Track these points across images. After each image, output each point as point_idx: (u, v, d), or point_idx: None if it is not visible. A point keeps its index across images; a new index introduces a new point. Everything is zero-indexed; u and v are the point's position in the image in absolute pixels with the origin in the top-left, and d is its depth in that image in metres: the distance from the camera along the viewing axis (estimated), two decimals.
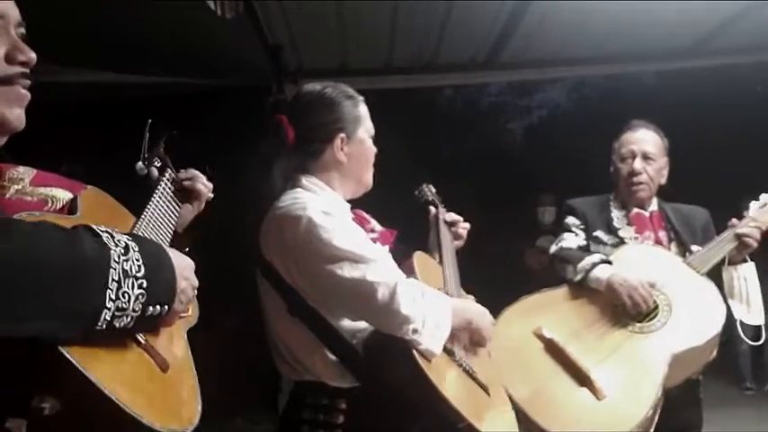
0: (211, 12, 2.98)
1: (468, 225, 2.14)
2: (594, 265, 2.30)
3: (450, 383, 1.57)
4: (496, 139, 12.11)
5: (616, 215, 2.52)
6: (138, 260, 0.96)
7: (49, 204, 1.21)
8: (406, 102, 8.36)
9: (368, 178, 1.81)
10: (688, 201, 2.65)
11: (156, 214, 1.35)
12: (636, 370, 2.13)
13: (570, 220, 2.55)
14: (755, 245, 2.32)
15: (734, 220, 2.38)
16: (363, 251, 1.56)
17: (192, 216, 1.53)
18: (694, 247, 2.40)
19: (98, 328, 0.91)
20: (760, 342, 2.33)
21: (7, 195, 1.17)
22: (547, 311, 2.31)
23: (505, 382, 1.89)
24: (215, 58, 4.04)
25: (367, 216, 1.80)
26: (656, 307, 2.24)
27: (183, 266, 1.08)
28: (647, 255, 2.40)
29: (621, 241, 2.46)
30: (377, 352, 1.55)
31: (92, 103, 4.79)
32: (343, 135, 1.72)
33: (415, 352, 1.51)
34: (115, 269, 0.92)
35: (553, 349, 2.18)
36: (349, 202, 1.78)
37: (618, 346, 2.18)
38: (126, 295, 0.93)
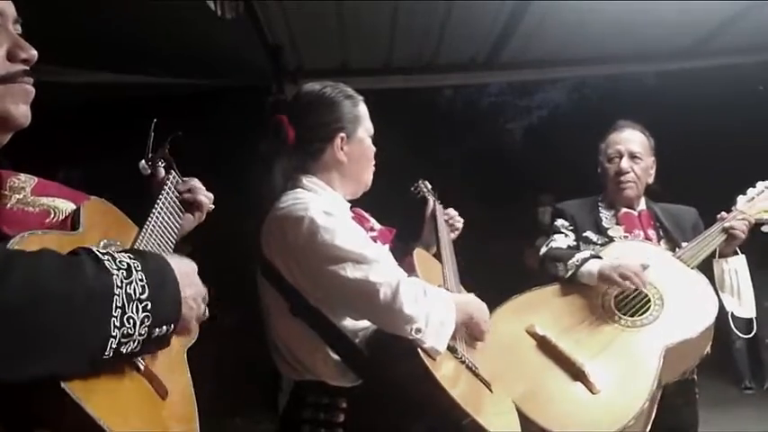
0: (211, 12, 2.98)
1: (462, 219, 2.17)
2: (585, 260, 2.31)
3: (454, 380, 1.58)
4: (496, 139, 12.09)
5: (605, 215, 2.55)
6: (141, 280, 0.93)
7: (51, 216, 1.19)
8: (406, 102, 8.34)
9: (367, 178, 1.81)
10: (688, 200, 2.65)
11: (158, 223, 1.32)
12: (629, 364, 2.13)
13: (559, 222, 2.57)
14: (743, 237, 2.34)
15: (722, 214, 2.41)
16: (365, 251, 1.56)
17: (193, 226, 1.51)
18: (684, 245, 2.42)
19: (104, 357, 0.89)
20: (751, 335, 2.35)
21: (8, 205, 1.14)
22: (539, 309, 2.31)
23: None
24: (215, 59, 4.05)
25: (366, 215, 1.81)
26: (648, 301, 2.24)
27: (186, 273, 1.05)
28: (636, 250, 2.41)
29: (611, 241, 2.47)
30: (380, 350, 1.56)
31: (91, 103, 4.79)
32: (342, 134, 1.73)
33: (419, 350, 1.51)
34: (119, 295, 0.89)
35: (546, 346, 2.18)
36: (349, 201, 1.78)
37: (611, 340, 2.18)
38: (131, 320, 0.90)
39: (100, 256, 0.92)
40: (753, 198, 2.45)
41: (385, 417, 1.53)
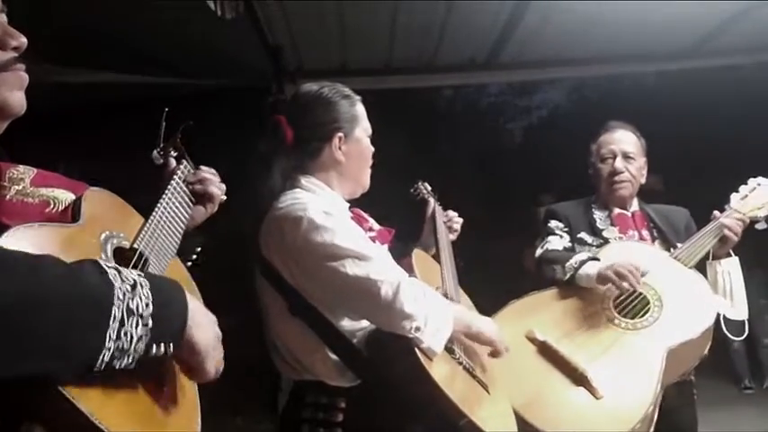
0: (211, 12, 2.98)
1: (461, 220, 2.16)
2: (582, 262, 2.29)
3: (451, 381, 1.58)
4: (496, 139, 12.08)
5: (599, 216, 2.53)
6: (146, 296, 0.91)
7: (51, 206, 1.17)
8: (406, 102, 8.34)
9: (365, 178, 1.82)
10: (688, 200, 2.65)
11: (165, 215, 1.28)
12: (632, 367, 2.11)
13: (553, 223, 2.56)
14: (737, 239, 2.34)
15: (716, 213, 2.40)
16: (365, 250, 1.57)
17: (204, 218, 1.48)
18: (680, 245, 2.41)
19: (96, 368, 0.86)
20: (743, 337, 2.34)
21: (8, 197, 1.13)
22: (537, 314, 2.28)
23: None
24: (215, 59, 4.05)
25: (365, 215, 1.81)
26: (648, 303, 2.23)
27: (202, 314, 1.01)
28: (633, 251, 2.39)
29: (606, 242, 2.46)
30: (378, 350, 1.56)
31: (91, 103, 4.79)
32: (340, 134, 1.74)
33: (417, 350, 1.51)
34: (119, 307, 0.87)
35: (546, 351, 2.16)
36: (348, 201, 1.79)
37: (612, 344, 2.16)
38: (128, 335, 0.88)
39: (105, 267, 0.90)
40: (746, 195, 2.44)
41: (383, 417, 1.53)
